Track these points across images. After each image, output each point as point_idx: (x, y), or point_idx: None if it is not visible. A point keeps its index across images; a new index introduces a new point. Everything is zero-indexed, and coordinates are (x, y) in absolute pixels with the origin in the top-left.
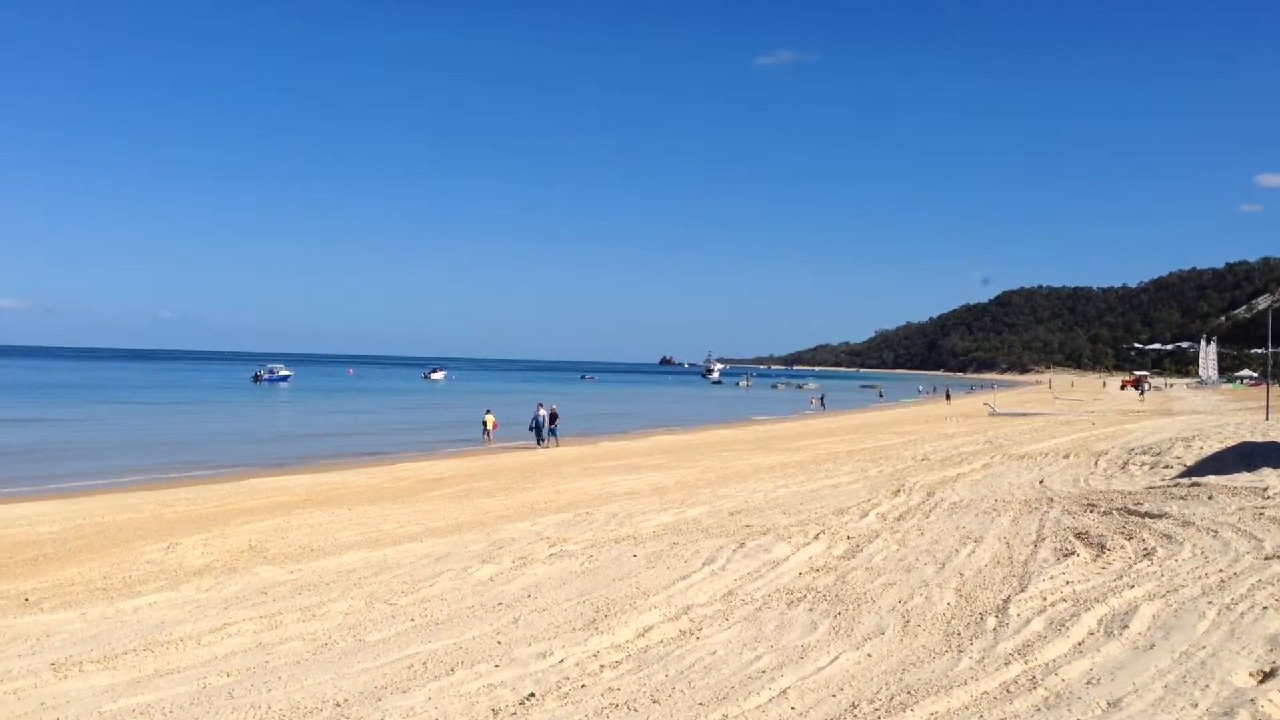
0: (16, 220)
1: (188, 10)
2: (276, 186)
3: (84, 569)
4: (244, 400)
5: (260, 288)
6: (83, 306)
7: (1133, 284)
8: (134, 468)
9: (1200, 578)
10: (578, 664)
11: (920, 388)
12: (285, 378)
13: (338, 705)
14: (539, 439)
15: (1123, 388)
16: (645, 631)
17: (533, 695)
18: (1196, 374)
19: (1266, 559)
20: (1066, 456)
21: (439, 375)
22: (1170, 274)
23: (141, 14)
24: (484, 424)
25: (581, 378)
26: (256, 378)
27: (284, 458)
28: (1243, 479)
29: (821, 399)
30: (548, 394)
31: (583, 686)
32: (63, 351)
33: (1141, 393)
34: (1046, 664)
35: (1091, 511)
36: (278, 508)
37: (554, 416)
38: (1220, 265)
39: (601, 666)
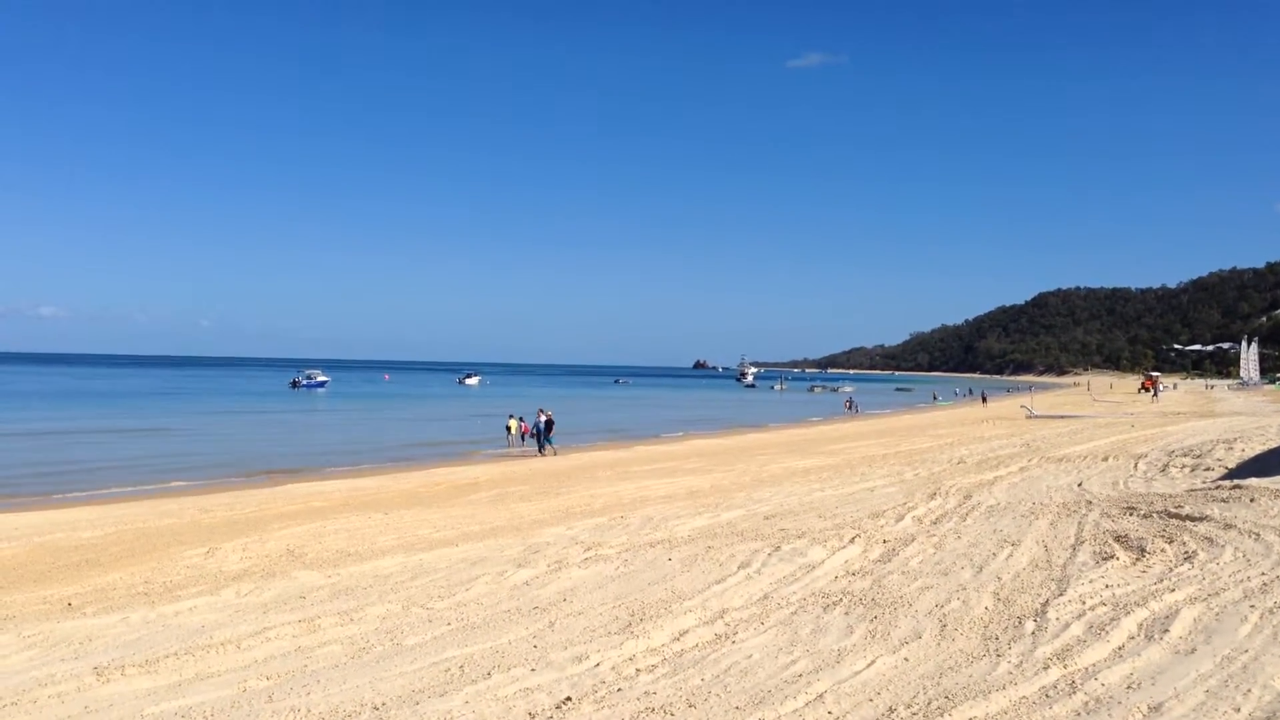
0: (60, 230)
1: (233, 20)
2: (314, 197)
3: (125, 574)
4: (282, 406)
5: (298, 296)
6: (124, 314)
7: (1172, 284)
8: (173, 473)
9: (1242, 581)
10: (614, 668)
11: (956, 390)
12: (322, 383)
13: (376, 709)
14: (539, 445)
15: (1140, 390)
16: (681, 635)
17: (569, 699)
18: (1238, 375)
19: None
20: (1105, 459)
21: (474, 380)
22: (1210, 274)
23: (187, 24)
24: (508, 429)
25: (616, 381)
26: (294, 383)
27: (321, 463)
28: None
29: (850, 402)
30: (579, 399)
31: (619, 690)
32: (104, 359)
33: (1154, 394)
34: (1086, 668)
35: (1131, 514)
36: (315, 513)
37: (549, 425)
38: (1260, 265)
39: (637, 670)
